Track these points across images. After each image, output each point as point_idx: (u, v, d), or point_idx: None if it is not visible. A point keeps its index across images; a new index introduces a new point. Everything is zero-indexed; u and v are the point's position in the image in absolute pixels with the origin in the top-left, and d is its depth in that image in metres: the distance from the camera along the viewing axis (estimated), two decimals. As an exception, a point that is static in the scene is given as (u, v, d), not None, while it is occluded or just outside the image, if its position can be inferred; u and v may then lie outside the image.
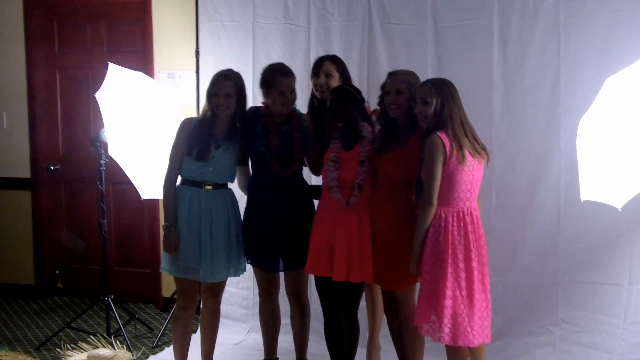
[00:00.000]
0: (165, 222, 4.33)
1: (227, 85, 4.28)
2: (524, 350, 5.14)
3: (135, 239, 6.80)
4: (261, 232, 4.40)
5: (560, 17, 5.01)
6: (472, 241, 3.85)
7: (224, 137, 4.35)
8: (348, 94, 4.22)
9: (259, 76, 4.50)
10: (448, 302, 3.79)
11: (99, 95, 5.26)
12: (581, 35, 4.99)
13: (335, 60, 4.62)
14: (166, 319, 6.00)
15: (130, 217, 6.76)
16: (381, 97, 4.17)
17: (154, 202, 6.10)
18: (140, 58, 6.47)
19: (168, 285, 6.50)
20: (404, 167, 4.04)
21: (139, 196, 5.70)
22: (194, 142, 4.30)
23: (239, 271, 4.52)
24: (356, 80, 4.87)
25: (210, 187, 4.35)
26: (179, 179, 4.40)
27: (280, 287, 4.66)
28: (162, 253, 4.42)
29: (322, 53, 5.33)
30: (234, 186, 4.60)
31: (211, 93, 4.31)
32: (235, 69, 4.84)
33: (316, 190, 4.47)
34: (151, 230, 6.67)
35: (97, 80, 6.29)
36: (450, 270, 3.81)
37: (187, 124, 4.39)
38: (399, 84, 4.09)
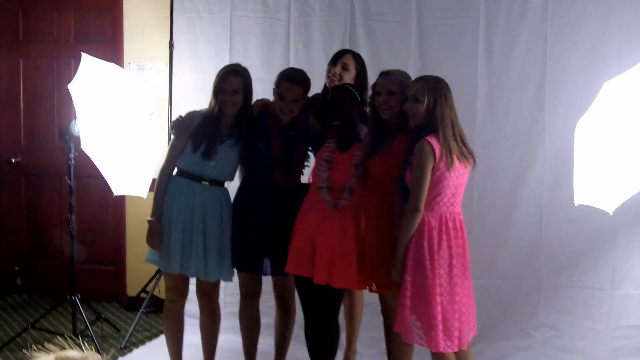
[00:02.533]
0: (151, 215, 4.22)
1: (235, 81, 4.17)
2: (504, 354, 5.08)
3: (98, 235, 6.64)
4: (249, 232, 4.28)
5: (548, 17, 4.95)
6: (455, 246, 3.79)
7: (229, 133, 4.24)
8: (348, 92, 4.13)
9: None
10: (438, 309, 3.72)
11: (72, 87, 5.09)
12: (569, 36, 4.93)
13: (357, 57, 4.54)
14: (132, 318, 5.90)
15: (93, 213, 6.59)
16: (372, 98, 4.08)
17: (120, 197, 5.96)
18: (110, 48, 6.33)
19: (133, 283, 6.43)
20: (391, 169, 3.96)
21: (104, 191, 5.61)
22: (200, 138, 4.19)
23: (228, 277, 4.37)
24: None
25: (207, 183, 4.24)
26: (175, 170, 4.31)
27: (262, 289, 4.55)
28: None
29: (301, 48, 5.37)
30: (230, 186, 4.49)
31: (218, 89, 4.19)
32: (212, 64, 4.83)
33: (305, 189, 4.34)
34: (116, 226, 6.56)
35: (63, 70, 6.42)
36: (437, 275, 3.73)
37: (191, 118, 4.27)
38: (392, 85, 3.99)
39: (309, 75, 4.34)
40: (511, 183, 5.10)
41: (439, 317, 3.71)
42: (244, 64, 4.36)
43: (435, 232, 3.76)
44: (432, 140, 3.70)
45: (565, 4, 4.92)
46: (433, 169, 3.70)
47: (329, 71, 4.48)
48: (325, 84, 4.56)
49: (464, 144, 3.80)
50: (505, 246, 5.13)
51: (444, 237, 3.77)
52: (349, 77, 4.43)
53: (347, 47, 5.16)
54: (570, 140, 4.64)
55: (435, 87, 3.78)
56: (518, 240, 5.12)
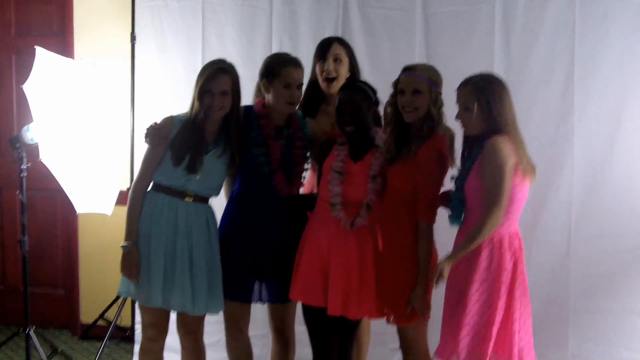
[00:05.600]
0: (125, 240, 3.83)
1: (223, 80, 3.79)
2: (529, 390, 4.74)
3: (46, 255, 6.21)
4: (246, 254, 3.91)
5: (576, 3, 4.58)
6: (520, 273, 3.53)
7: (214, 141, 3.88)
8: (362, 92, 3.72)
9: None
10: (515, 339, 3.46)
11: (27, 87, 4.67)
12: (600, 25, 4.55)
13: (343, 42, 4.22)
14: (89, 349, 5.69)
15: (41, 230, 6.14)
16: (393, 97, 3.70)
17: (71, 212, 5.51)
18: (58, 42, 5.88)
19: (87, 309, 6.03)
20: (414, 181, 3.58)
21: (52, 205, 5.60)
22: (183, 148, 3.81)
23: (216, 308, 3.94)
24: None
25: (190, 199, 3.87)
26: (151, 184, 3.96)
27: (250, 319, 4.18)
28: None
29: (286, 41, 5.07)
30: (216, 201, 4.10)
31: (204, 90, 3.78)
32: (182, 58, 4.58)
33: (308, 200, 3.99)
34: (67, 245, 6.16)
35: (2, 67, 6.16)
36: (514, 300, 3.47)
37: (169, 125, 3.87)
38: (418, 82, 3.60)
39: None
40: (536, 196, 4.54)
41: (515, 350, 3.48)
42: (219, 58, 4.02)
43: (506, 252, 3.47)
44: (504, 138, 3.40)
45: (597, -14, 4.58)
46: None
47: (320, 68, 4.16)
48: (309, 84, 4.21)
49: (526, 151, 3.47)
50: (530, 267, 4.44)
51: (514, 259, 3.50)
52: (344, 70, 4.14)
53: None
54: (604, 144, 4.50)
55: (485, 88, 3.44)
56: (544, 260, 4.73)
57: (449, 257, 3.42)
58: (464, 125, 3.49)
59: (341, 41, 4.21)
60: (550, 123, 4.68)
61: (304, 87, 3.95)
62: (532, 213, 4.66)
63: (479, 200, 3.37)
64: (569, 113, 4.64)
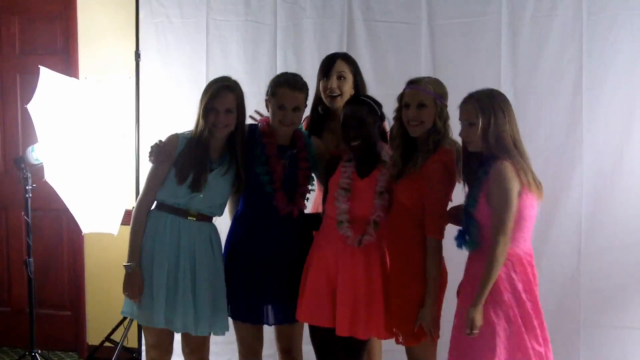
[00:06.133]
0: (128, 260, 3.79)
1: (229, 98, 3.75)
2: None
3: (52, 276, 6.10)
4: (250, 274, 3.86)
5: (584, 12, 4.56)
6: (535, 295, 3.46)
7: (219, 160, 3.84)
8: (367, 106, 3.69)
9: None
10: None
11: (32, 107, 4.68)
12: (608, 35, 4.53)
13: (348, 59, 4.16)
14: None
15: (46, 250, 6.01)
16: (398, 111, 3.66)
17: (76, 232, 5.45)
18: (62, 60, 5.88)
19: (94, 331, 5.93)
20: (421, 195, 3.53)
21: (58, 225, 5.53)
22: (187, 166, 3.76)
23: (221, 329, 3.89)
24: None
25: (194, 218, 3.82)
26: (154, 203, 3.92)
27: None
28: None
29: (291, 56, 5.03)
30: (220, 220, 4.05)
31: (208, 108, 3.75)
32: (187, 75, 4.55)
33: (314, 220, 3.94)
34: (73, 264, 6.07)
35: (7, 86, 6.05)
36: (533, 325, 3.39)
37: (173, 143, 3.83)
38: (423, 96, 3.56)
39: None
40: (544, 207, 4.39)
41: None
42: (223, 75, 3.99)
43: (519, 275, 3.41)
44: (509, 162, 3.33)
45: (604, -3, 4.60)
46: (519, 195, 3.33)
47: (323, 86, 4.12)
48: (314, 100, 4.19)
49: (531, 170, 3.41)
50: (539, 280, 4.43)
51: (527, 281, 3.44)
52: (348, 87, 4.09)
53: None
54: (613, 155, 4.48)
55: (489, 104, 3.37)
56: (553, 273, 4.64)
57: (477, 303, 3.34)
58: (468, 141, 3.43)
59: (345, 57, 4.18)
60: (558, 134, 4.64)
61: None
62: (542, 225, 4.49)
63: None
64: (578, 123, 4.60)
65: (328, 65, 4.10)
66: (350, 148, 3.68)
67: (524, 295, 3.38)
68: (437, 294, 3.48)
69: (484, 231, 3.35)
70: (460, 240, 3.45)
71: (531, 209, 3.38)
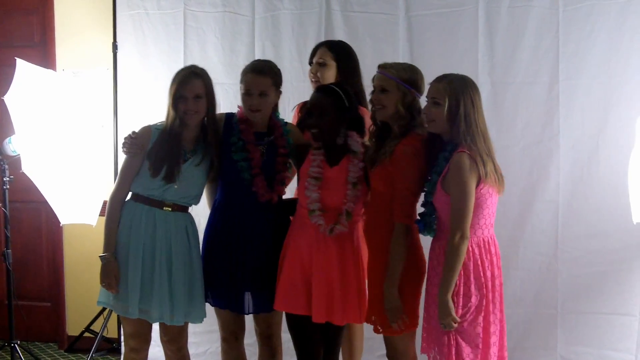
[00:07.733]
0: (104, 250, 3.78)
1: (196, 84, 3.72)
2: (517, 394, 4.69)
3: (31, 268, 6.12)
4: (229, 262, 3.84)
5: (560, 3, 4.61)
6: (497, 276, 3.41)
7: (192, 149, 3.81)
8: (333, 96, 3.64)
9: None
10: (494, 349, 3.42)
11: (8, 99, 4.71)
12: (585, 25, 4.58)
13: (333, 47, 4.17)
14: None
15: (25, 242, 6.07)
16: (371, 94, 3.67)
17: (55, 224, 5.49)
18: (39, 53, 5.87)
19: (74, 322, 5.97)
20: (392, 181, 3.50)
21: (37, 217, 5.53)
22: (160, 158, 3.73)
23: (198, 318, 3.90)
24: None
25: (169, 209, 3.80)
26: (129, 194, 3.89)
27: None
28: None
29: (269, 47, 5.02)
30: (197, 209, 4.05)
31: (177, 96, 3.72)
32: (164, 67, 4.51)
33: (290, 205, 3.90)
34: (52, 257, 6.08)
35: None
36: (490, 309, 3.40)
37: (146, 134, 3.79)
38: (383, 80, 3.56)
39: (280, 78, 4.04)
40: (521, 194, 4.72)
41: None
42: (202, 67, 3.94)
43: (479, 261, 3.36)
44: (468, 152, 3.28)
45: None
46: (476, 187, 3.28)
47: (309, 73, 4.18)
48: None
49: (494, 162, 3.39)
50: (517, 269, 4.76)
51: (487, 264, 3.39)
52: (330, 74, 4.10)
53: (323, 44, 4.82)
54: (590, 144, 4.53)
55: (460, 88, 3.33)
56: (531, 261, 4.74)
57: (445, 292, 3.31)
58: (429, 120, 3.38)
59: (330, 46, 4.17)
60: (536, 123, 4.67)
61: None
62: (519, 214, 4.73)
63: (448, 213, 3.32)
64: (555, 113, 4.63)
65: (312, 52, 4.17)
66: (314, 136, 3.67)
67: (479, 281, 3.36)
68: (396, 279, 3.42)
69: (441, 217, 3.36)
70: (421, 225, 3.44)
71: (488, 197, 3.33)
